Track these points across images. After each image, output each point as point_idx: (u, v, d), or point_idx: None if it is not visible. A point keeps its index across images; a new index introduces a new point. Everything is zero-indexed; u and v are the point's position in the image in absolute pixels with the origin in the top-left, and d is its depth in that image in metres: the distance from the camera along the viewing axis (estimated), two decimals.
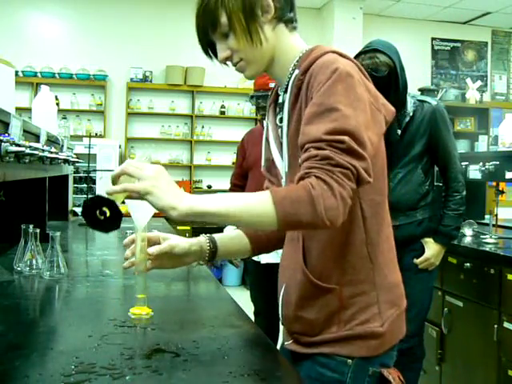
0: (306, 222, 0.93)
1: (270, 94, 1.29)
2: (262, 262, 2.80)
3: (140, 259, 1.13)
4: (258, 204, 0.95)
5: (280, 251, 1.29)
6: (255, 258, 2.87)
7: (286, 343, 1.22)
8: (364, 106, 1.02)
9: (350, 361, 1.09)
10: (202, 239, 1.22)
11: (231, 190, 3.09)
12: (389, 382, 1.10)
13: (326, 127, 0.97)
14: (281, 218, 0.93)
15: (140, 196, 0.94)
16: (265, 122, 1.30)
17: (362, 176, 0.97)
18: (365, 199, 1.10)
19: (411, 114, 2.33)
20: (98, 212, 0.98)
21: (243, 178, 2.98)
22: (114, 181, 0.98)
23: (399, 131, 2.32)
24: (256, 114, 3.26)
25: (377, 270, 1.11)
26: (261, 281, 2.90)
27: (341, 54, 1.08)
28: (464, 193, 2.36)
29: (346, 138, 0.96)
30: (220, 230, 3.19)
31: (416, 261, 2.35)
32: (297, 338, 1.17)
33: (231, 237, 1.28)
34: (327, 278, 1.11)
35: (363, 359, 1.10)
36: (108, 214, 0.98)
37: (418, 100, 2.36)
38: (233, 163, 6.11)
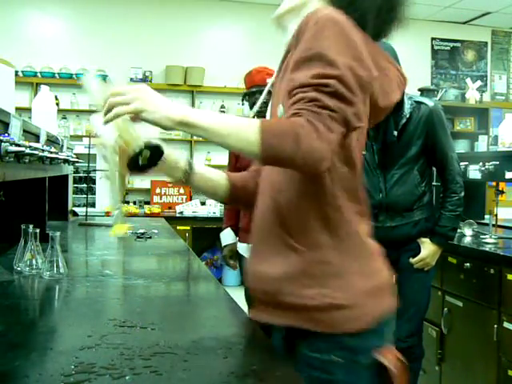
0: (286, 157, 0.93)
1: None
2: None
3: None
4: (247, 129, 0.95)
5: None
6: (246, 256, 2.87)
7: (251, 315, 1.19)
8: (354, 51, 1.00)
9: (334, 357, 1.04)
10: (183, 162, 1.27)
11: None
12: (385, 367, 1.04)
13: (313, 72, 0.96)
14: (263, 147, 0.94)
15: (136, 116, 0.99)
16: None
17: (350, 120, 0.95)
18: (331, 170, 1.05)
19: (408, 116, 2.32)
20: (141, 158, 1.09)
21: None
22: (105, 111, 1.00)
23: (395, 132, 2.32)
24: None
25: (348, 240, 1.07)
26: None
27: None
28: (462, 194, 2.35)
29: (331, 81, 0.95)
30: (218, 232, 3.20)
31: (411, 260, 2.34)
32: (260, 298, 1.13)
33: (212, 170, 1.31)
34: (296, 236, 1.07)
35: (350, 351, 1.04)
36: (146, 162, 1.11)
37: (415, 101, 2.36)
38: None
